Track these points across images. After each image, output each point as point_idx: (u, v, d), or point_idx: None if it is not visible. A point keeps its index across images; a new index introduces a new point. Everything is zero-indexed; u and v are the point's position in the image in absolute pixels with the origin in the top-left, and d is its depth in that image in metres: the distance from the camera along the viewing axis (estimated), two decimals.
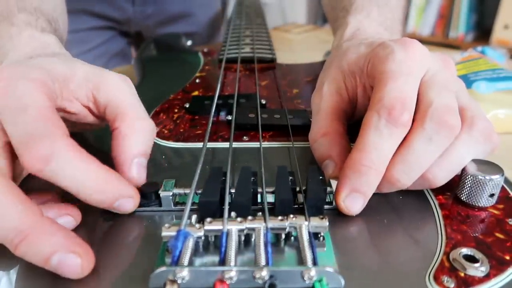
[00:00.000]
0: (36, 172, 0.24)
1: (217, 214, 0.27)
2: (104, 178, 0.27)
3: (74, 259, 0.23)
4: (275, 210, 0.28)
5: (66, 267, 0.23)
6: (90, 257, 0.24)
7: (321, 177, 0.30)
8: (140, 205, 0.30)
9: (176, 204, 0.30)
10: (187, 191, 0.29)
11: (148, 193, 0.30)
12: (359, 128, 0.31)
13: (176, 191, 0.30)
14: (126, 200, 0.28)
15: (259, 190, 0.29)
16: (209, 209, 0.27)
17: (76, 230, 0.28)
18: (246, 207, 0.27)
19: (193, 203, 0.29)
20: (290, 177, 0.30)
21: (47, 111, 0.27)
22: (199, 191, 0.29)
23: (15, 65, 0.30)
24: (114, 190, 0.27)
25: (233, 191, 0.29)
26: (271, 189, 0.29)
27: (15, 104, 0.26)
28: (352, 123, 0.37)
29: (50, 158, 0.24)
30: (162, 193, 0.30)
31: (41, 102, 0.27)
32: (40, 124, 0.26)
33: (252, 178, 0.29)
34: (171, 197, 0.30)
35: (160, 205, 0.30)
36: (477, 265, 0.24)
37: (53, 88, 0.30)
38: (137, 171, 0.30)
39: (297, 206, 0.29)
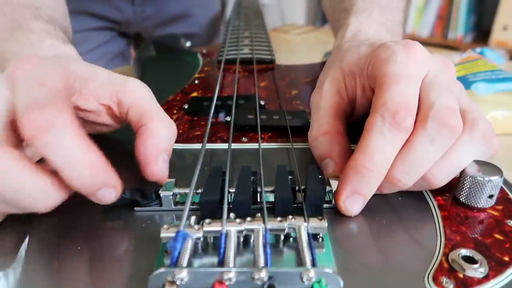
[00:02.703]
0: (31, 138, 0.24)
1: (218, 213, 0.27)
2: (95, 164, 0.26)
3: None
4: (274, 209, 0.28)
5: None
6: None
7: (320, 176, 0.30)
8: (141, 205, 0.30)
9: (176, 204, 0.30)
10: (187, 190, 0.30)
11: (148, 193, 0.30)
12: (358, 129, 0.31)
13: (177, 190, 0.30)
14: (109, 191, 0.27)
15: (259, 189, 0.29)
16: (209, 208, 0.27)
17: (76, 230, 0.28)
18: (246, 206, 0.27)
19: (192, 203, 0.29)
20: (290, 176, 0.30)
21: (61, 93, 0.27)
22: (199, 191, 0.29)
23: (44, 57, 0.30)
24: (101, 177, 0.26)
25: (232, 190, 0.29)
26: (270, 188, 0.29)
27: (33, 79, 0.27)
28: (351, 123, 0.37)
29: (49, 127, 0.24)
30: (162, 193, 0.30)
31: (59, 85, 0.27)
32: (49, 97, 0.25)
33: (252, 177, 0.29)
34: (171, 197, 0.30)
35: (161, 205, 0.30)
36: (476, 266, 0.24)
37: (73, 84, 0.31)
38: (162, 166, 0.31)
39: (296, 205, 0.29)
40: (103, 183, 0.26)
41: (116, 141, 0.38)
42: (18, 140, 0.27)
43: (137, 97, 0.33)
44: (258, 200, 0.30)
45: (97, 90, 0.33)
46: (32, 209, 0.25)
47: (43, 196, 0.25)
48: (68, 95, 0.29)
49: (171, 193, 0.30)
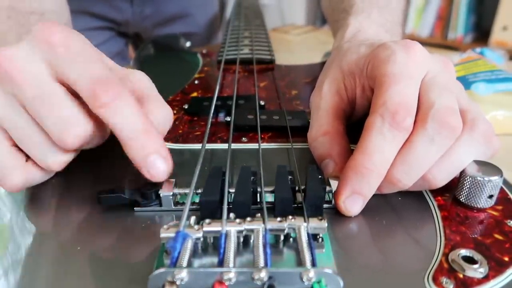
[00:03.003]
0: (105, 102, 0.27)
1: (218, 213, 0.27)
2: (151, 130, 0.28)
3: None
4: (274, 209, 0.28)
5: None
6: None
7: (320, 176, 0.30)
8: (141, 205, 0.30)
9: (176, 204, 0.30)
10: (187, 191, 0.29)
11: (148, 193, 0.30)
12: (358, 129, 0.31)
13: (176, 191, 0.30)
14: (159, 160, 0.28)
15: (259, 189, 0.29)
16: (209, 208, 0.27)
17: (76, 230, 0.28)
18: (246, 206, 0.27)
19: (192, 203, 0.29)
20: (290, 176, 0.30)
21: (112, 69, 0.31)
22: (199, 192, 0.29)
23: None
24: (156, 142, 0.28)
25: (232, 190, 0.29)
26: (270, 189, 0.29)
27: (85, 53, 0.30)
28: (350, 123, 0.37)
29: (120, 95, 0.27)
30: (162, 193, 0.30)
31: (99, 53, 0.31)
32: (110, 73, 0.29)
33: (252, 178, 0.29)
34: (171, 197, 0.30)
35: (161, 205, 0.30)
36: (476, 266, 0.24)
37: None
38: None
39: (296, 205, 0.29)
40: (155, 148, 0.28)
41: (117, 141, 0.38)
42: None
43: (140, 84, 0.34)
44: (258, 200, 0.30)
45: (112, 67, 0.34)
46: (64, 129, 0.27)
47: (74, 120, 0.28)
48: None
49: (171, 193, 0.30)
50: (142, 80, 0.35)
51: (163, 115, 0.33)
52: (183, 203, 0.30)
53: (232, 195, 0.28)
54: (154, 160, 0.28)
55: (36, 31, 0.28)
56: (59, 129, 0.27)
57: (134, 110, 0.28)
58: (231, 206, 0.27)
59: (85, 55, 0.29)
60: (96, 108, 0.27)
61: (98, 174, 0.34)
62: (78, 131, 0.28)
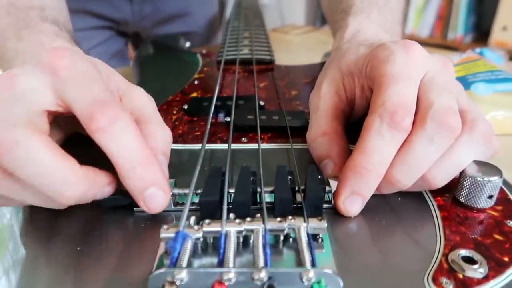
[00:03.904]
0: (100, 127, 0.25)
1: (217, 214, 0.27)
2: (150, 158, 0.27)
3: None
4: (274, 209, 0.28)
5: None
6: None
7: (320, 177, 0.30)
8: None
9: (176, 204, 0.30)
10: (187, 191, 0.29)
11: None
12: (356, 130, 0.31)
13: (176, 191, 0.30)
14: (158, 192, 0.27)
15: (259, 190, 0.29)
16: (209, 208, 0.27)
17: (76, 230, 0.28)
18: (246, 206, 0.27)
19: (192, 204, 0.29)
20: (289, 176, 0.30)
21: (113, 90, 0.31)
22: (199, 192, 0.29)
23: (76, 51, 0.31)
24: (155, 173, 0.27)
25: (232, 191, 0.29)
26: (270, 189, 0.29)
27: (86, 75, 0.28)
28: (349, 124, 0.37)
29: (118, 118, 0.26)
30: None
31: (106, 82, 0.31)
32: (109, 94, 0.28)
33: (251, 178, 0.29)
34: (171, 197, 0.30)
35: None
36: (475, 266, 0.24)
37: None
38: (163, 168, 0.31)
39: (295, 205, 0.29)
40: (153, 180, 0.27)
41: None
42: (47, 129, 0.28)
43: (139, 104, 0.33)
44: (258, 200, 0.30)
45: (113, 89, 0.33)
46: (58, 194, 0.25)
47: (70, 181, 0.25)
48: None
49: (171, 193, 0.30)
50: (140, 96, 0.34)
51: (164, 137, 0.32)
52: (182, 203, 0.30)
53: (232, 195, 0.28)
54: (152, 193, 0.27)
55: (44, 55, 0.28)
56: (51, 193, 0.26)
57: (133, 136, 0.27)
58: (231, 207, 0.27)
59: (87, 77, 0.28)
60: (92, 132, 0.26)
61: None
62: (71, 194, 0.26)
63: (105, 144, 0.26)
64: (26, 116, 0.26)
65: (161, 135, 0.32)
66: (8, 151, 0.24)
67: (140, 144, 0.27)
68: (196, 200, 0.29)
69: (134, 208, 0.30)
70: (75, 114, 0.27)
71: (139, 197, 0.27)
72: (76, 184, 0.26)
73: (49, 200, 0.26)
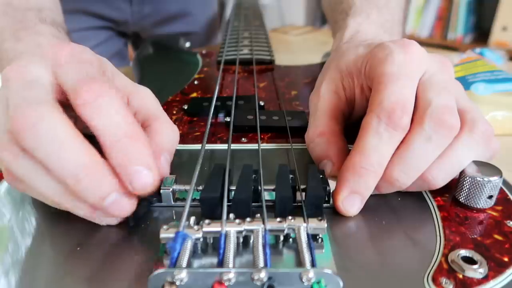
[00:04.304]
0: (85, 102, 0.25)
1: (218, 211, 0.27)
2: (139, 136, 0.27)
3: (127, 202, 0.26)
4: (275, 208, 0.28)
5: (117, 207, 0.26)
6: (135, 200, 0.27)
7: (321, 176, 0.30)
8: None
9: (176, 200, 0.30)
10: (187, 187, 0.29)
11: (149, 197, 0.29)
12: (356, 130, 0.31)
13: (176, 187, 0.30)
14: (145, 172, 0.26)
15: (260, 188, 0.29)
16: (210, 204, 0.27)
17: (75, 230, 0.28)
18: (247, 204, 0.27)
19: (193, 200, 0.29)
20: (291, 175, 0.30)
21: (105, 73, 0.31)
22: (199, 188, 0.29)
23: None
24: (142, 151, 0.26)
25: (233, 188, 0.29)
26: (271, 187, 0.29)
27: (80, 59, 0.29)
28: (349, 123, 0.37)
29: (102, 94, 0.26)
30: (162, 190, 0.29)
31: (101, 66, 0.31)
32: (99, 74, 0.28)
33: (253, 176, 0.29)
34: (171, 192, 0.30)
35: (161, 201, 0.30)
36: (475, 266, 0.24)
37: (106, 72, 0.32)
38: (164, 164, 0.31)
39: (296, 204, 0.29)
40: (140, 157, 0.26)
41: None
42: None
43: (145, 102, 0.34)
44: (259, 198, 0.30)
45: (118, 86, 0.33)
46: (73, 177, 0.25)
47: (87, 165, 0.25)
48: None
49: (171, 189, 0.30)
50: (147, 96, 0.34)
51: (170, 133, 0.33)
52: (183, 199, 0.30)
53: (233, 193, 0.28)
54: (137, 171, 0.26)
55: (49, 47, 0.28)
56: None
57: (119, 111, 0.26)
58: (231, 204, 0.27)
59: (84, 63, 0.28)
60: (77, 106, 0.25)
61: None
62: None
63: (89, 118, 0.25)
64: (45, 97, 0.26)
65: (169, 132, 0.32)
66: (31, 128, 0.24)
67: (126, 119, 0.26)
68: (197, 195, 0.29)
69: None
70: (67, 94, 0.27)
71: (123, 173, 0.26)
72: (92, 171, 0.25)
73: (67, 193, 0.26)
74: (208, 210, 0.27)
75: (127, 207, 0.27)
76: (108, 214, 0.27)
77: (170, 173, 0.31)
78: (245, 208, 0.27)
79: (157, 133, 0.31)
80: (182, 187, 0.30)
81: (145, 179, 0.26)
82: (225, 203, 0.27)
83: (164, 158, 0.31)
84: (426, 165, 0.29)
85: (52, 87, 0.28)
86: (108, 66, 0.33)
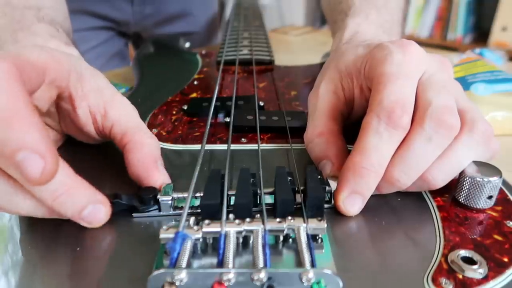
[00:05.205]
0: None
1: (219, 216, 0.27)
2: (75, 181, 0.27)
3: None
4: (275, 211, 0.28)
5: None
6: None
7: (319, 177, 0.30)
8: (139, 211, 0.30)
9: (175, 208, 0.30)
10: (185, 195, 0.29)
11: (146, 198, 0.29)
12: (356, 130, 0.31)
13: (175, 195, 0.30)
14: (97, 207, 0.27)
15: (259, 191, 0.29)
16: (210, 211, 0.27)
17: (75, 231, 0.28)
18: (248, 208, 0.27)
19: (191, 207, 0.29)
20: (289, 177, 0.30)
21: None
22: (198, 195, 0.29)
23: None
24: (85, 193, 0.27)
25: (232, 193, 0.29)
26: (269, 190, 0.29)
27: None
28: (348, 123, 0.37)
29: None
30: (161, 198, 0.29)
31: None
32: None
33: (251, 180, 0.29)
34: (170, 201, 0.29)
35: (160, 210, 0.30)
36: (475, 267, 0.24)
37: (69, 68, 0.32)
38: (163, 171, 0.32)
39: (295, 206, 0.29)
40: (90, 199, 0.27)
41: (106, 147, 0.38)
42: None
43: (122, 113, 0.34)
44: (258, 202, 0.29)
45: (91, 92, 0.33)
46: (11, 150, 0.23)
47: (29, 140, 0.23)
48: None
49: (170, 197, 0.29)
50: (125, 106, 0.35)
51: (154, 142, 0.33)
52: (182, 208, 0.30)
53: (232, 197, 0.28)
54: (90, 211, 0.27)
55: None
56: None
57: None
58: (231, 209, 0.27)
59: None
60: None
61: (97, 179, 0.34)
62: None
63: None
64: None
65: (151, 141, 0.33)
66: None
67: (64, 171, 0.26)
68: (196, 203, 0.29)
69: (133, 214, 0.30)
70: None
71: (75, 219, 0.27)
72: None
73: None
74: (209, 216, 0.27)
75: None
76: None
77: (169, 175, 0.31)
78: (246, 212, 0.27)
79: (143, 144, 0.32)
80: (181, 195, 0.29)
81: (100, 215, 0.28)
82: (225, 203, 0.27)
83: (161, 164, 0.32)
84: (426, 165, 0.29)
85: None
86: (85, 67, 0.33)
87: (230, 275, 0.22)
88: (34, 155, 0.22)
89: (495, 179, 0.29)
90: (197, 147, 0.39)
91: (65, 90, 0.32)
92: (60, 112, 0.35)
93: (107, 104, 0.34)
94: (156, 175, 0.31)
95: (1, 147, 0.22)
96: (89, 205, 0.27)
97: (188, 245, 0.24)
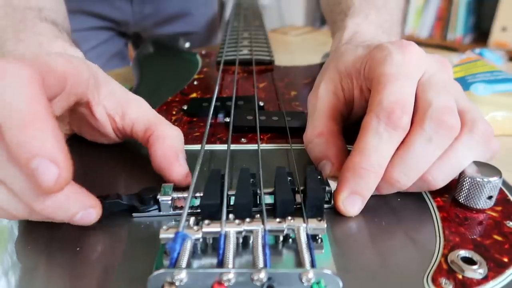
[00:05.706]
0: None
1: (219, 217, 0.27)
2: (69, 190, 0.26)
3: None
4: (275, 211, 0.28)
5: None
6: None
7: (319, 177, 0.30)
8: (139, 211, 0.30)
9: (175, 208, 0.30)
10: (185, 195, 0.29)
11: (146, 198, 0.29)
12: (356, 130, 0.31)
13: (175, 195, 0.30)
14: (88, 212, 0.27)
15: (259, 191, 0.29)
16: (210, 212, 0.27)
17: (75, 231, 0.28)
18: (248, 208, 0.27)
19: (191, 207, 0.29)
20: (289, 178, 0.30)
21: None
22: (198, 195, 0.29)
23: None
24: (77, 201, 0.26)
25: (232, 193, 0.29)
26: (269, 190, 0.29)
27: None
28: (348, 123, 0.37)
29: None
30: (160, 198, 0.29)
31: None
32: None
33: (251, 180, 0.29)
34: (170, 202, 0.29)
35: (159, 210, 0.30)
36: (475, 267, 0.24)
37: (88, 77, 0.32)
38: (185, 164, 0.32)
39: (295, 206, 0.29)
40: (84, 204, 0.27)
41: (112, 148, 0.38)
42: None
43: (141, 111, 0.34)
44: (258, 202, 0.29)
45: (107, 97, 0.34)
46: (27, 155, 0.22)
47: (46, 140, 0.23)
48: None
49: (170, 197, 0.29)
50: (141, 105, 0.35)
51: (177, 134, 0.34)
52: (181, 207, 0.30)
53: (232, 197, 0.28)
54: (83, 215, 0.26)
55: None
56: None
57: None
58: (231, 209, 0.27)
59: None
60: None
61: (96, 181, 0.34)
62: None
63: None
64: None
65: (174, 133, 0.33)
66: None
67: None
68: (196, 203, 0.29)
69: (133, 214, 0.30)
70: None
71: (68, 220, 0.26)
72: (52, 150, 0.23)
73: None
74: (209, 217, 0.27)
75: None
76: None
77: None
78: (246, 213, 0.27)
79: (165, 137, 0.32)
80: (180, 195, 0.30)
81: (92, 217, 0.27)
82: (225, 204, 0.27)
83: (182, 157, 0.32)
84: (426, 166, 0.29)
85: None
86: (99, 73, 0.33)
87: (230, 275, 0.22)
88: (50, 162, 0.22)
89: (495, 179, 0.29)
90: (197, 147, 0.39)
91: (83, 97, 0.32)
92: (74, 115, 0.36)
93: (123, 106, 0.34)
94: (175, 168, 0.31)
95: (18, 151, 0.22)
96: (80, 212, 0.26)
97: (188, 245, 0.24)
